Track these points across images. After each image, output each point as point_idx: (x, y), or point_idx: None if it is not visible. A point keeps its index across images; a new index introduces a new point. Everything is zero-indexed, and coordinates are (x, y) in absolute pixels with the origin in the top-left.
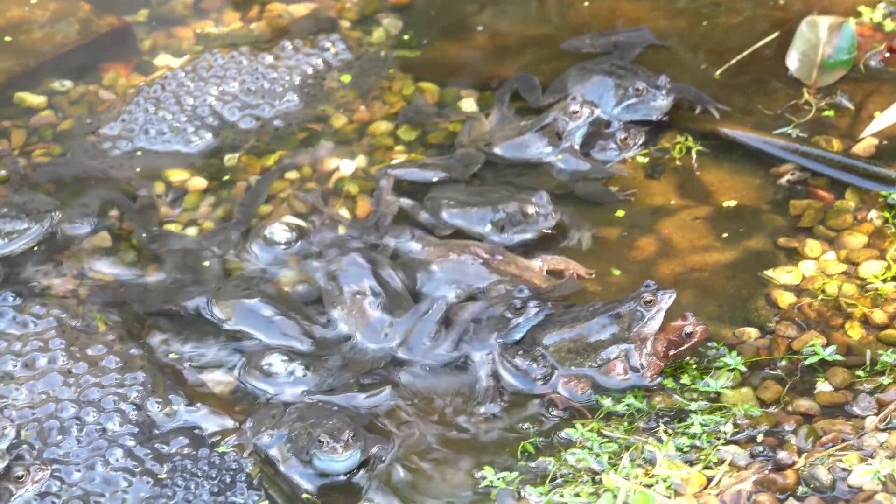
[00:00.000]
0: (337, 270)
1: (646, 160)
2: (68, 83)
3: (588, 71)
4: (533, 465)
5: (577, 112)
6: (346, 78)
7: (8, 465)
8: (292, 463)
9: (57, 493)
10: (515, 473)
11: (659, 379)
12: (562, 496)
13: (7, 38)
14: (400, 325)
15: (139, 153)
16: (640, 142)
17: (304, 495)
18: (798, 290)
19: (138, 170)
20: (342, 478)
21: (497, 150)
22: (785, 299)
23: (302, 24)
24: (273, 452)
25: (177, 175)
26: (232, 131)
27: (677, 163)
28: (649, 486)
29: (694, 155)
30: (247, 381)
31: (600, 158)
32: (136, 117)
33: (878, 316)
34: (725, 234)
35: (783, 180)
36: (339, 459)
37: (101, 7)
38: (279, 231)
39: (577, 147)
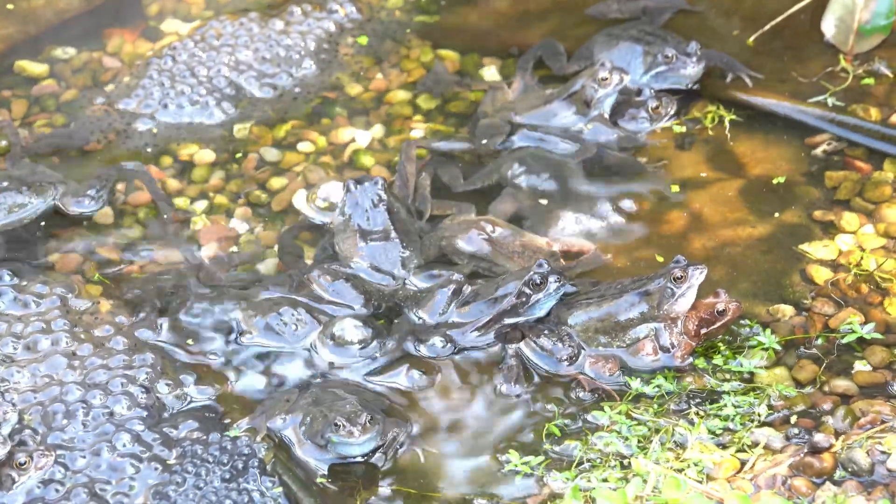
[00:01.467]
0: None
1: (681, 129)
2: (71, 50)
3: (615, 37)
4: (559, 448)
5: (607, 79)
6: (364, 40)
7: (10, 452)
8: (308, 447)
9: (61, 481)
10: (541, 457)
11: (690, 359)
12: (589, 481)
13: (9, 6)
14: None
15: (154, 130)
16: (672, 111)
17: (319, 479)
18: (835, 266)
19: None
20: (359, 460)
21: (522, 120)
22: (821, 275)
23: None
24: (288, 436)
25: (191, 149)
26: (240, 104)
27: (709, 133)
28: (680, 470)
29: (727, 124)
30: (316, 349)
31: (631, 128)
32: (152, 92)
33: None
34: (759, 207)
35: (819, 151)
36: (356, 443)
37: None
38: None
39: (606, 116)
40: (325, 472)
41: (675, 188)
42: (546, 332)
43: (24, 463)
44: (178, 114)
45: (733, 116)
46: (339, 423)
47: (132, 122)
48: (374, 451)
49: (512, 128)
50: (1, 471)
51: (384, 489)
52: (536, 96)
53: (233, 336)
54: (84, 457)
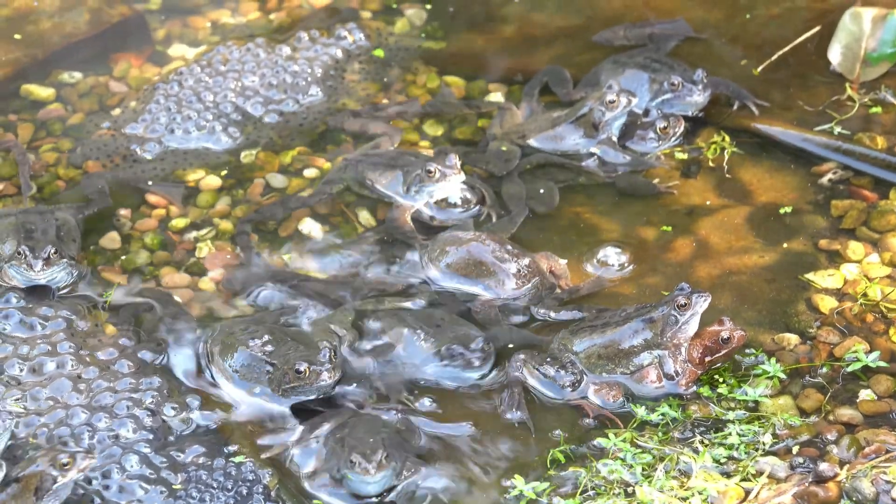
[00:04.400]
0: None
1: (684, 156)
2: (78, 75)
3: (622, 64)
4: (564, 474)
5: (615, 102)
6: (380, 53)
7: (6, 473)
8: (323, 480)
9: (76, 501)
10: (546, 484)
11: (694, 387)
12: None
13: (17, 35)
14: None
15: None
16: (680, 131)
17: None
18: (840, 295)
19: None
20: (373, 500)
21: (532, 143)
22: (826, 304)
23: (321, 15)
24: (307, 468)
25: (197, 174)
26: (246, 129)
27: (712, 163)
28: (685, 499)
29: (726, 156)
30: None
31: (639, 150)
32: (158, 117)
33: None
34: (765, 236)
35: (825, 179)
36: (371, 481)
37: None
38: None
39: (614, 138)
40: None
41: (668, 228)
42: (549, 358)
43: (67, 463)
44: (184, 139)
45: (735, 149)
46: (354, 460)
47: (138, 146)
48: (389, 491)
49: (523, 151)
50: (42, 474)
51: None
52: (545, 119)
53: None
54: (96, 478)
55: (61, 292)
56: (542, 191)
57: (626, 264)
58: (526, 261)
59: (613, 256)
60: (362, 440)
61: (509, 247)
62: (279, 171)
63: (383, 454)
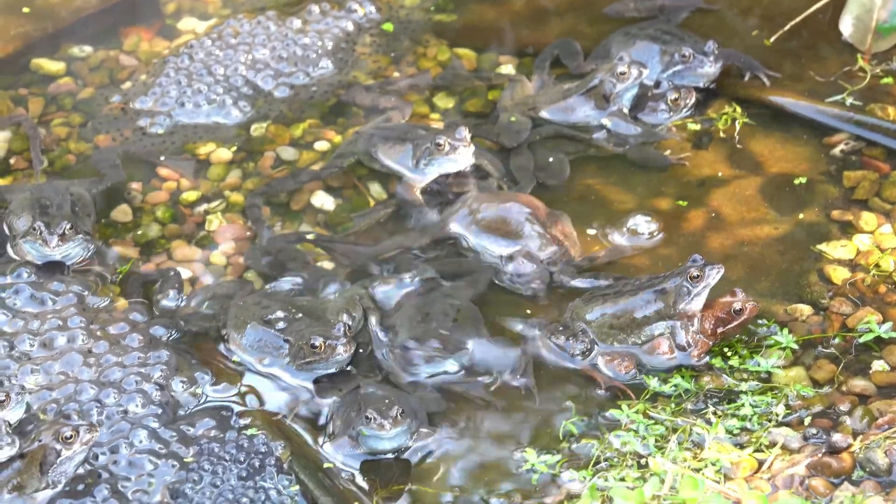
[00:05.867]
0: None
1: (696, 127)
2: (88, 49)
3: (632, 36)
4: (576, 447)
5: (625, 73)
6: (389, 27)
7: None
8: (341, 441)
9: (83, 477)
10: (558, 456)
11: (707, 358)
12: (606, 480)
13: (25, 9)
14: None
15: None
16: (692, 102)
17: (340, 478)
18: (852, 265)
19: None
20: (389, 457)
21: (543, 114)
22: (839, 274)
23: None
24: (322, 433)
25: (208, 147)
26: (256, 103)
27: (723, 134)
28: (698, 470)
29: (738, 127)
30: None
31: (650, 121)
32: (169, 90)
33: None
34: (777, 207)
35: (836, 150)
36: (387, 436)
37: None
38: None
39: (626, 110)
40: (352, 470)
41: (683, 203)
42: (561, 328)
43: (71, 437)
44: (195, 113)
45: (746, 119)
46: (370, 416)
47: (149, 120)
48: (404, 449)
49: (533, 122)
50: (46, 448)
51: (402, 488)
52: (556, 90)
53: None
54: (104, 453)
55: (75, 267)
56: (551, 161)
57: (655, 233)
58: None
59: (644, 225)
60: (378, 399)
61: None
62: (290, 145)
63: (398, 410)
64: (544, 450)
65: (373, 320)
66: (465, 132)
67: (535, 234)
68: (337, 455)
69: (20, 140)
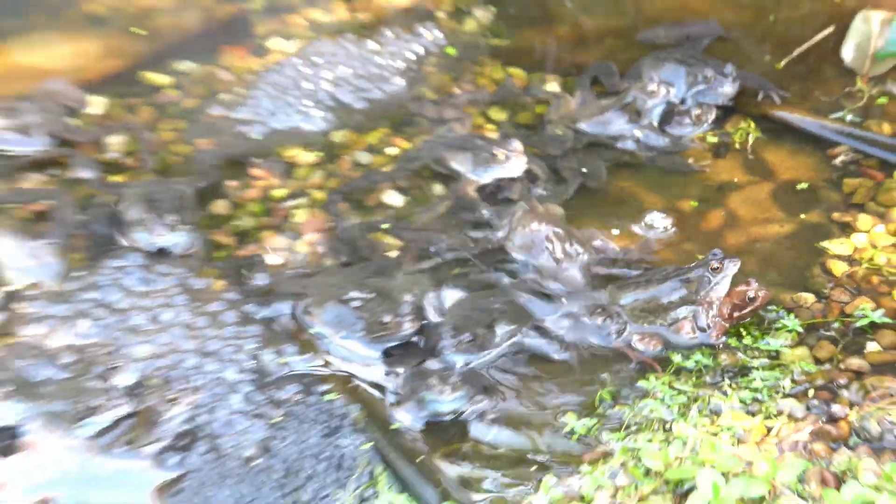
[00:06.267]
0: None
1: (715, 139)
2: (191, 64)
3: (661, 59)
4: (610, 412)
5: (655, 92)
6: (452, 50)
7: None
8: (409, 405)
9: (188, 432)
10: (595, 420)
11: (724, 338)
12: (636, 442)
13: (134, 29)
14: None
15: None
16: (712, 118)
17: (408, 437)
18: (850, 260)
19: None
20: (448, 419)
21: (583, 127)
22: (838, 268)
23: (402, 15)
24: (392, 398)
25: (294, 151)
26: (339, 113)
27: (739, 145)
28: (715, 434)
29: (751, 140)
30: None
31: (676, 133)
32: (264, 102)
33: None
34: (786, 209)
35: (837, 160)
36: (445, 400)
37: None
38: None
39: (655, 123)
40: (418, 430)
41: (694, 203)
42: (599, 310)
43: (174, 399)
44: (284, 121)
45: (759, 133)
46: (432, 383)
47: (244, 128)
48: (460, 413)
49: (576, 134)
50: (153, 408)
51: (459, 446)
52: (594, 106)
53: None
54: (204, 413)
55: (179, 253)
56: (591, 166)
57: (668, 227)
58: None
59: (659, 220)
60: (440, 369)
61: (560, 230)
62: (366, 150)
63: (457, 379)
64: (583, 415)
65: (430, 296)
66: (517, 143)
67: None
68: (404, 417)
69: (132, 143)
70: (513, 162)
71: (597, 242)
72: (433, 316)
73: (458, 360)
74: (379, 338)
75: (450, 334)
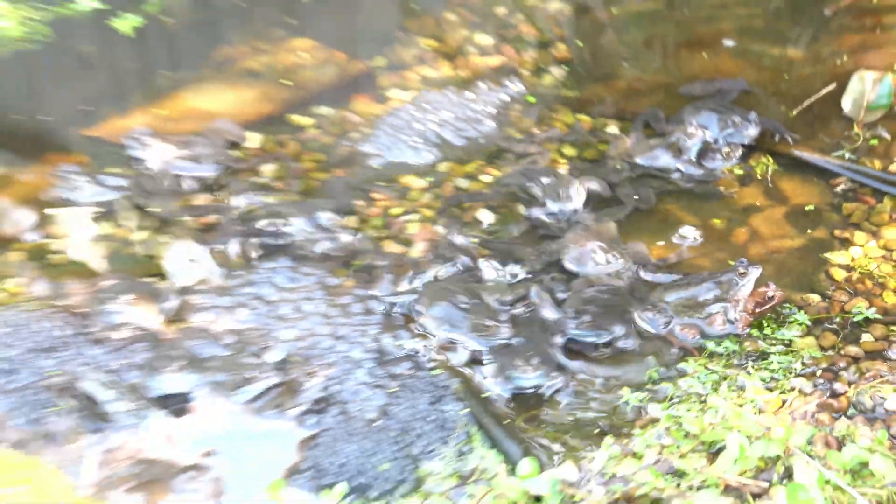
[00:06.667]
0: None
1: (741, 172)
2: (328, 109)
3: (699, 108)
4: (657, 388)
5: (694, 133)
6: (532, 99)
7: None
8: (497, 381)
9: (323, 399)
10: (645, 394)
11: (748, 329)
12: (677, 411)
13: (287, 82)
14: None
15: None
16: (739, 154)
17: (498, 406)
18: (848, 268)
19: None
20: (529, 392)
21: (637, 161)
22: (839, 274)
23: (493, 71)
24: (485, 374)
25: (408, 178)
26: (443, 149)
27: (760, 176)
28: (741, 405)
29: (770, 172)
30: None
31: (710, 167)
32: (384, 139)
33: None
34: (797, 226)
35: (838, 189)
36: (527, 378)
37: (352, 56)
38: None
39: (693, 159)
40: (503, 399)
41: (718, 221)
42: (650, 306)
43: (313, 372)
44: (399, 155)
45: (775, 167)
46: (518, 363)
47: (369, 160)
48: (539, 386)
49: (630, 167)
50: (296, 380)
51: (538, 412)
52: (646, 145)
53: None
54: (337, 385)
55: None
56: (642, 192)
57: (697, 238)
58: (614, 253)
59: (690, 232)
60: (522, 352)
61: (605, 245)
62: (464, 177)
63: (538, 361)
64: (635, 389)
65: (533, 291)
66: (576, 187)
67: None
68: (494, 389)
69: (281, 170)
70: (573, 200)
71: (639, 253)
72: (549, 310)
73: (589, 337)
74: (483, 336)
75: (574, 319)
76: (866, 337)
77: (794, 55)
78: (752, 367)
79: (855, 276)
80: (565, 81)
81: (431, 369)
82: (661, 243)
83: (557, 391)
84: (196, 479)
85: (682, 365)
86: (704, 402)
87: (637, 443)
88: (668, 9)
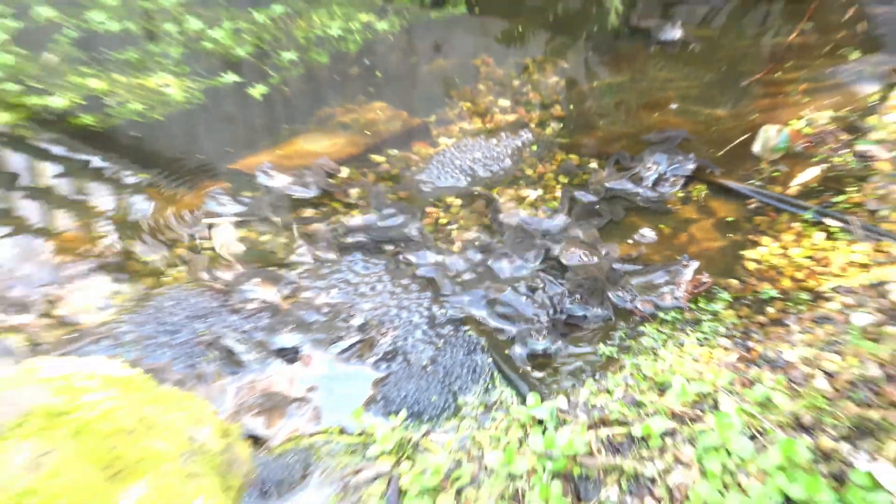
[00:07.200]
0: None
1: (682, 195)
2: (395, 151)
3: (654, 150)
4: (624, 344)
5: (650, 168)
6: (535, 147)
7: (360, 336)
8: (518, 346)
9: (391, 351)
10: (615, 348)
11: (688, 304)
12: (638, 360)
13: (367, 132)
14: None
15: (434, 189)
16: (681, 183)
17: (518, 363)
18: (758, 262)
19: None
20: (540, 351)
21: (610, 186)
22: (751, 266)
23: (510, 125)
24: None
25: (451, 199)
26: (475, 178)
27: (695, 198)
28: (682, 357)
29: (703, 195)
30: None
31: (661, 191)
32: (435, 171)
33: (798, 275)
34: (722, 233)
35: (750, 207)
36: (538, 344)
37: (412, 114)
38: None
39: (650, 186)
40: (521, 357)
41: (667, 228)
42: (620, 287)
43: (384, 332)
44: (445, 182)
45: (706, 191)
46: (531, 333)
47: (424, 186)
48: (547, 349)
49: (606, 191)
50: (373, 338)
51: (546, 362)
52: (616, 176)
53: None
54: (401, 341)
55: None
56: (614, 210)
57: (653, 237)
58: (591, 253)
59: (648, 233)
60: (531, 328)
61: (587, 249)
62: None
63: (546, 330)
64: (608, 345)
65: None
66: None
67: (587, 255)
68: (515, 350)
69: (363, 193)
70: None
71: (612, 252)
72: (553, 290)
73: (579, 311)
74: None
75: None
76: (770, 309)
77: (720, 114)
78: (690, 330)
79: (762, 267)
80: (560, 132)
81: (466, 331)
82: (630, 242)
83: (559, 351)
84: (302, 407)
85: (641, 328)
86: (657, 354)
87: (610, 383)
88: (631, 82)
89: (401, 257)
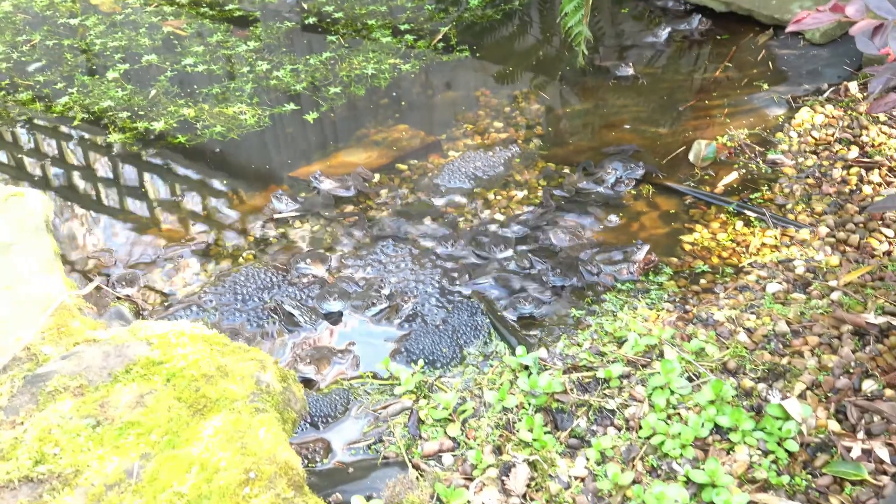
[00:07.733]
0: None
1: (635, 192)
2: (415, 161)
3: (612, 159)
4: (592, 308)
5: (610, 172)
6: (518, 159)
7: (388, 303)
8: (509, 311)
9: (412, 314)
10: (583, 311)
11: (640, 277)
12: (601, 321)
13: (394, 148)
14: None
15: (444, 189)
16: (633, 184)
17: (510, 321)
18: (692, 244)
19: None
20: (527, 315)
21: (579, 186)
22: (688, 247)
23: (502, 140)
24: (500, 302)
25: (462, 194)
26: (476, 181)
27: (645, 195)
28: (635, 317)
29: (650, 193)
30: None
31: (619, 190)
32: (446, 176)
33: (724, 254)
34: (665, 222)
35: (686, 202)
36: (526, 308)
37: (428, 133)
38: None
39: (609, 186)
40: (512, 318)
41: (623, 217)
42: (589, 263)
43: (406, 300)
44: (456, 183)
45: (653, 190)
46: (521, 300)
47: (437, 188)
48: (532, 314)
49: (577, 191)
50: (398, 304)
51: (529, 324)
52: (583, 179)
53: None
54: (420, 306)
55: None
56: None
57: (618, 221)
58: (571, 234)
59: (614, 218)
60: (520, 296)
61: (570, 234)
62: (489, 195)
63: (532, 300)
64: (579, 310)
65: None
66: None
67: (567, 237)
68: (507, 314)
69: (391, 192)
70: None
71: (586, 234)
72: (539, 266)
73: (559, 282)
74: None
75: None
76: (702, 281)
77: (662, 131)
78: (641, 297)
79: (696, 248)
80: (541, 146)
81: (469, 297)
82: (599, 227)
83: (545, 316)
84: (344, 357)
85: (604, 296)
86: (616, 315)
87: (580, 338)
88: (594, 108)
89: (419, 243)
